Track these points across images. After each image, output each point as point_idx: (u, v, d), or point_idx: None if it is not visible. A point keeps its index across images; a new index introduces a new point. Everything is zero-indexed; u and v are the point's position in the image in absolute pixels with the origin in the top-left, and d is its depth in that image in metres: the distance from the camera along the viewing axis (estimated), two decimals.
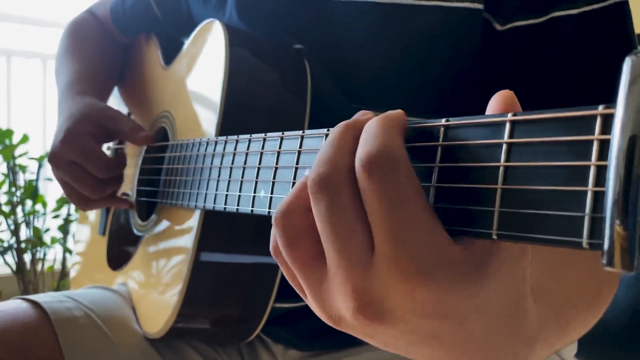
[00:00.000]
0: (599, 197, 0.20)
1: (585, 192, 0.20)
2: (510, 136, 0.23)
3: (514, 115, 0.24)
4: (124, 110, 0.92)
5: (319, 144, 0.39)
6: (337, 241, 0.27)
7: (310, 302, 0.31)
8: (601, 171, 0.20)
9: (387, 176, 0.26)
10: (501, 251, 0.27)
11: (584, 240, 0.20)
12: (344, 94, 0.61)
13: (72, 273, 0.98)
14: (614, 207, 0.18)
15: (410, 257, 0.25)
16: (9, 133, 1.76)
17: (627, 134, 0.18)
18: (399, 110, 0.29)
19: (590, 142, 0.20)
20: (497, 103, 0.27)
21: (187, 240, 0.60)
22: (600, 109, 0.20)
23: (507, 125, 0.23)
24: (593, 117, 0.20)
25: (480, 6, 0.54)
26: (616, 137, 0.19)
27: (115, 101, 0.95)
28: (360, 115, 0.32)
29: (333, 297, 0.29)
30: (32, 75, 2.22)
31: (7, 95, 2.14)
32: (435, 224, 0.26)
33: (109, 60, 0.91)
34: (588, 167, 0.20)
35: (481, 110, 0.63)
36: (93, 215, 0.94)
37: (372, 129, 0.27)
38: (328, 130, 0.39)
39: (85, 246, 0.96)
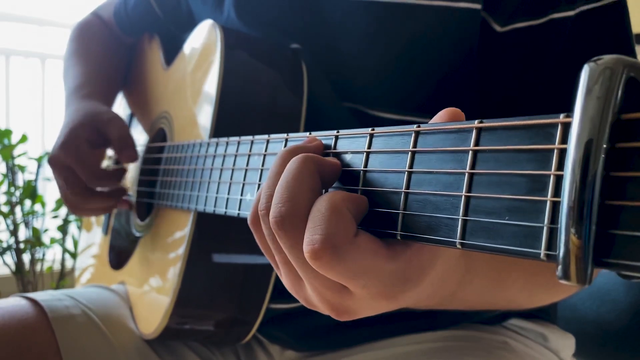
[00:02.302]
0: (557, 208, 0.19)
1: (545, 202, 0.20)
2: (476, 143, 0.23)
3: (480, 122, 0.23)
4: (127, 111, 0.92)
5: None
6: (306, 272, 0.31)
7: (289, 285, 0.35)
8: (560, 181, 0.19)
9: (337, 261, 0.28)
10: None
11: (542, 252, 0.20)
12: (340, 93, 0.61)
13: (78, 271, 0.99)
14: (568, 218, 0.18)
15: (380, 292, 0.30)
16: (7, 133, 1.76)
17: (582, 144, 0.18)
18: (351, 194, 0.31)
19: (551, 151, 0.20)
20: (441, 119, 0.28)
21: (181, 241, 0.60)
22: (561, 117, 0.20)
23: (474, 132, 0.23)
24: (554, 126, 0.20)
25: (478, 6, 0.54)
26: (572, 147, 0.18)
27: (120, 102, 0.95)
28: (309, 142, 0.36)
29: (312, 299, 0.34)
30: (31, 74, 2.20)
31: (5, 94, 2.13)
32: (390, 261, 0.30)
33: (115, 62, 0.91)
34: (548, 176, 0.20)
35: (477, 111, 0.62)
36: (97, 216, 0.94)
37: (315, 214, 0.29)
38: (310, 133, 0.39)
39: (91, 245, 0.96)
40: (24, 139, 1.79)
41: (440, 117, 0.29)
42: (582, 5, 0.52)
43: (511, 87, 0.55)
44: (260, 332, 0.66)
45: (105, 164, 0.89)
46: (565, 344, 0.67)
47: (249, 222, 0.35)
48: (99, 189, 0.74)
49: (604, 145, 0.18)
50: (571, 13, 0.52)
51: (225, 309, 0.62)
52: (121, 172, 0.75)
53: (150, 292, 0.66)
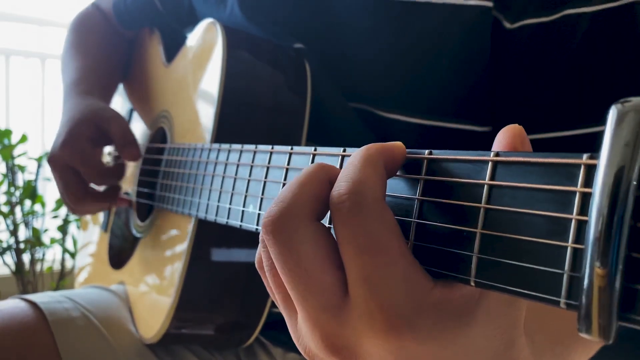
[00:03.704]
0: (578, 254, 0.19)
1: (566, 248, 0.19)
2: (492, 177, 0.22)
3: (496, 155, 0.22)
4: (127, 105, 0.92)
5: (307, 161, 0.39)
6: (297, 287, 0.26)
7: (290, 330, 0.31)
8: (582, 226, 0.19)
9: (354, 217, 0.24)
10: (492, 294, 0.25)
11: (562, 300, 0.19)
12: (347, 93, 0.60)
13: (77, 269, 0.98)
14: (592, 267, 0.17)
15: (382, 306, 0.23)
16: (7, 133, 1.76)
17: (609, 191, 0.17)
18: (390, 143, 0.27)
19: (573, 193, 0.19)
20: (505, 138, 0.24)
21: (182, 245, 0.60)
22: (585, 158, 0.19)
23: (489, 165, 0.22)
24: (577, 166, 0.19)
25: (490, 4, 0.53)
26: (597, 193, 0.17)
27: (120, 97, 0.94)
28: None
29: (305, 335, 0.28)
30: (31, 74, 2.20)
31: (5, 95, 2.13)
32: (413, 268, 0.24)
33: (114, 56, 0.91)
34: (569, 220, 0.19)
35: (486, 113, 0.61)
36: (94, 215, 0.94)
37: (348, 165, 0.26)
38: (315, 149, 0.39)
39: (90, 242, 0.96)
40: (23, 139, 1.78)
41: (503, 135, 0.24)
42: (598, 3, 0.51)
43: (524, 86, 0.54)
44: (263, 335, 0.66)
45: (105, 160, 0.89)
46: None
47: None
48: (96, 189, 0.74)
49: (632, 195, 0.17)
50: (588, 9, 0.51)
51: (227, 313, 0.62)
52: (122, 168, 0.75)
53: (151, 295, 0.66)
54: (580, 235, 0.18)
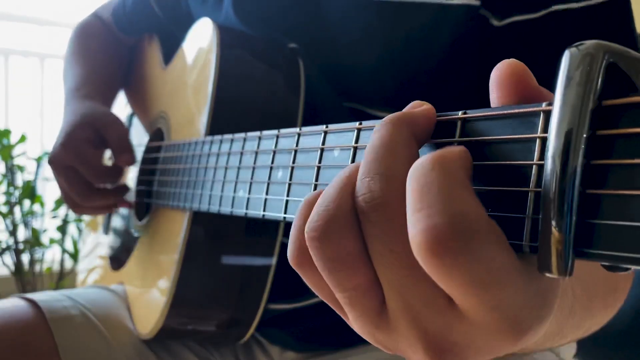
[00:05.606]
0: (539, 198, 0.19)
1: (527, 193, 0.19)
2: (461, 135, 0.23)
3: (464, 113, 0.23)
4: (129, 111, 0.93)
5: (292, 143, 0.39)
6: (400, 275, 0.23)
7: (359, 329, 0.27)
8: (542, 171, 0.19)
9: (469, 256, 0.20)
10: None
11: (524, 244, 0.19)
12: (340, 93, 0.60)
13: (82, 272, 0.99)
14: (548, 208, 0.18)
15: (510, 321, 0.21)
16: (6, 133, 1.76)
17: (562, 132, 0.17)
18: (460, 149, 0.22)
19: (533, 140, 0.20)
20: (503, 74, 0.22)
21: (176, 241, 0.60)
22: (544, 105, 0.19)
23: (459, 124, 0.23)
24: (536, 114, 0.20)
25: (477, 2, 0.54)
26: (552, 136, 0.18)
27: (121, 102, 0.95)
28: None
29: (394, 334, 0.25)
30: (30, 74, 2.21)
31: (4, 94, 2.13)
32: (523, 276, 0.21)
33: (115, 62, 0.92)
34: (530, 166, 0.19)
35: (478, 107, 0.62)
36: (100, 216, 0.95)
37: (429, 182, 0.21)
38: (300, 129, 0.39)
39: (92, 246, 0.97)
40: (22, 139, 1.79)
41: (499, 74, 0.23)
42: (584, 0, 0.51)
43: None
44: (260, 333, 0.66)
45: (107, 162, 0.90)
46: (566, 345, 0.66)
47: (309, 234, 0.24)
48: (101, 186, 0.74)
49: (584, 134, 0.17)
50: (574, 5, 0.51)
51: (222, 309, 0.62)
52: (119, 169, 0.75)
53: (148, 292, 0.66)
54: (541, 180, 0.19)
